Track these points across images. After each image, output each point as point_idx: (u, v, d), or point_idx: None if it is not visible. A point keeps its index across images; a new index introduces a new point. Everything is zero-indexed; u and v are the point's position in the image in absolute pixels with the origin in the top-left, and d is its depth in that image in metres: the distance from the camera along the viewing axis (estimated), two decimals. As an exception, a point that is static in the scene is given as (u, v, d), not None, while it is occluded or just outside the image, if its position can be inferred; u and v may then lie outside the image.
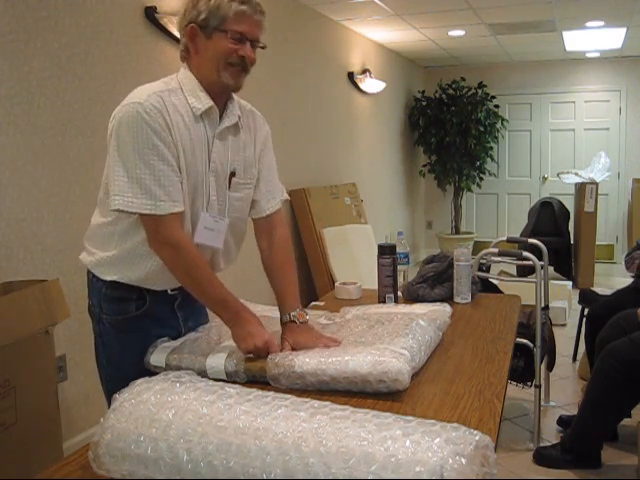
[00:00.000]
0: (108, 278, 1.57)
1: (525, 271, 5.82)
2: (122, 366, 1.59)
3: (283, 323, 1.58)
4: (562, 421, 3.12)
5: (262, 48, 1.56)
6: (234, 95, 1.63)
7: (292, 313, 1.57)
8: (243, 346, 1.45)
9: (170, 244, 1.47)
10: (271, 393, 1.08)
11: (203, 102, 1.53)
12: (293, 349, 1.49)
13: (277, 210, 1.75)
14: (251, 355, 1.46)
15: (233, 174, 1.62)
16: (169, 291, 1.62)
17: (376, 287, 2.18)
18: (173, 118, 1.47)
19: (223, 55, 1.49)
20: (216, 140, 1.57)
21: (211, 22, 1.47)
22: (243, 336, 1.47)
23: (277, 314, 1.80)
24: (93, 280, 1.61)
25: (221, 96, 1.57)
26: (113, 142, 1.47)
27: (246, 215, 1.72)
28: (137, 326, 1.59)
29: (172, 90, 1.52)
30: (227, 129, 1.60)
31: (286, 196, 1.84)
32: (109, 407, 1.11)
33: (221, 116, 1.59)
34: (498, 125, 7.41)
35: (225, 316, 1.50)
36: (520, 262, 3.22)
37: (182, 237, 1.48)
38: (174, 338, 1.62)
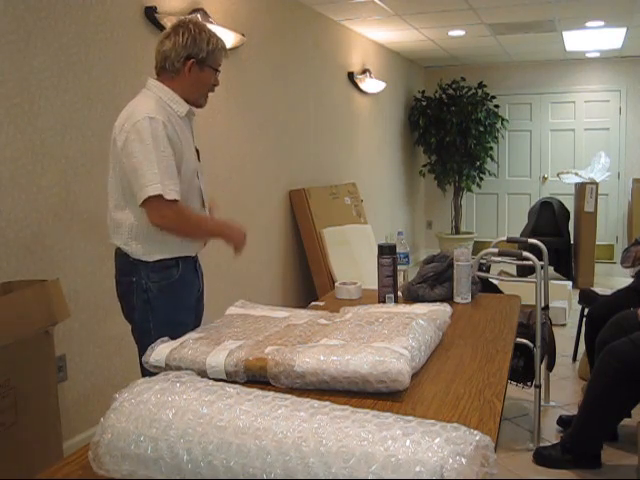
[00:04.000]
0: (153, 259, 2.02)
1: (525, 271, 5.82)
2: (173, 320, 2.01)
3: None
4: (562, 421, 3.12)
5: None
6: None
7: None
8: (228, 232, 2.13)
9: (173, 216, 1.96)
10: (271, 393, 1.08)
11: (183, 106, 2.06)
12: None
13: None
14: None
15: (197, 151, 2.22)
16: (194, 255, 2.16)
17: (376, 287, 2.18)
18: (171, 121, 1.98)
19: (209, 86, 2.11)
20: (192, 129, 2.17)
21: (207, 61, 2.05)
22: (229, 230, 2.12)
23: (277, 314, 1.82)
24: (137, 262, 2.02)
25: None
26: (133, 148, 1.91)
27: None
28: (178, 287, 2.07)
29: (159, 101, 2.01)
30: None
31: None
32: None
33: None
34: (498, 125, 7.40)
35: (216, 231, 2.14)
36: (520, 262, 3.21)
37: (180, 206, 1.97)
38: (196, 294, 2.19)
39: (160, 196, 1.88)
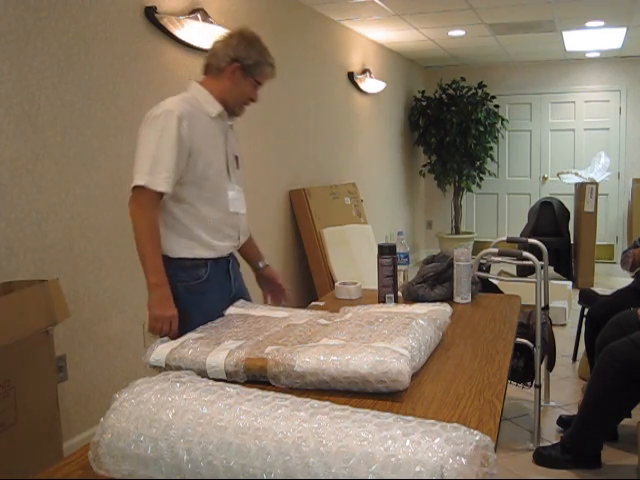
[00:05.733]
0: (177, 256, 2.00)
1: (525, 271, 5.82)
2: (195, 323, 1.87)
3: (260, 268, 2.38)
4: (562, 421, 3.12)
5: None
6: None
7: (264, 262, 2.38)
8: (157, 312, 1.89)
9: (148, 211, 1.91)
10: (271, 393, 1.08)
11: (215, 107, 2.05)
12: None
13: None
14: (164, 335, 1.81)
15: (237, 157, 2.21)
16: (224, 255, 2.10)
17: (376, 287, 2.18)
18: (196, 119, 1.97)
19: (247, 97, 2.09)
20: (228, 133, 2.14)
21: (252, 71, 2.04)
22: (160, 305, 1.90)
23: (277, 314, 1.82)
24: (165, 259, 1.97)
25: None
26: (141, 137, 1.95)
27: None
28: (206, 288, 2.03)
29: (190, 99, 2.02)
30: (230, 126, 2.17)
31: None
32: None
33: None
34: (498, 125, 7.40)
35: (152, 279, 1.91)
36: (520, 262, 3.21)
37: (156, 210, 1.94)
38: (227, 298, 2.07)
39: (143, 187, 1.89)
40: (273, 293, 2.43)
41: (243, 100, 2.08)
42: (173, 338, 1.83)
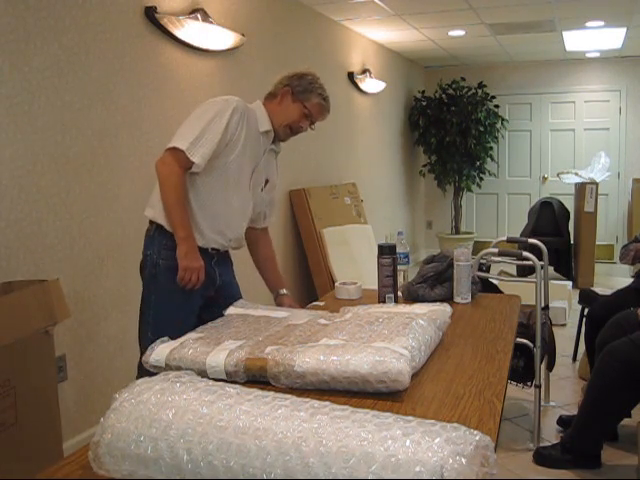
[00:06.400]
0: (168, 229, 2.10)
1: (525, 271, 5.82)
2: (173, 300, 2.11)
3: (279, 295, 2.40)
4: (562, 421, 3.12)
5: (312, 129, 2.37)
6: None
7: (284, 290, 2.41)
8: (186, 263, 2.05)
9: (177, 170, 2.04)
10: (271, 393, 1.08)
11: (265, 125, 2.23)
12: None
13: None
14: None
15: (267, 180, 2.35)
16: (210, 250, 2.19)
17: (376, 287, 2.18)
18: (247, 121, 2.14)
19: (293, 121, 2.24)
20: (266, 154, 2.29)
21: (301, 96, 2.21)
22: (188, 257, 2.05)
23: (277, 314, 1.82)
24: (155, 234, 2.14)
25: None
26: (194, 112, 2.11)
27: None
28: None
29: (250, 108, 2.20)
30: (272, 151, 2.34)
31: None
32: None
33: (273, 141, 2.31)
34: (498, 125, 7.40)
35: (181, 233, 2.05)
36: (520, 262, 3.21)
37: (184, 173, 2.06)
38: (211, 286, 2.22)
39: (181, 151, 2.01)
40: None
41: (288, 123, 2.23)
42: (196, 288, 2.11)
